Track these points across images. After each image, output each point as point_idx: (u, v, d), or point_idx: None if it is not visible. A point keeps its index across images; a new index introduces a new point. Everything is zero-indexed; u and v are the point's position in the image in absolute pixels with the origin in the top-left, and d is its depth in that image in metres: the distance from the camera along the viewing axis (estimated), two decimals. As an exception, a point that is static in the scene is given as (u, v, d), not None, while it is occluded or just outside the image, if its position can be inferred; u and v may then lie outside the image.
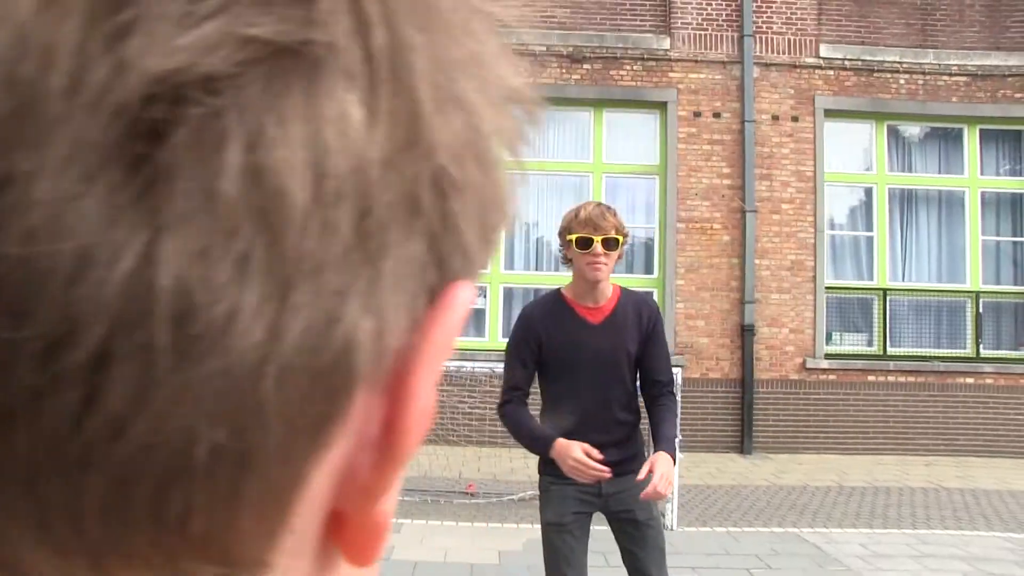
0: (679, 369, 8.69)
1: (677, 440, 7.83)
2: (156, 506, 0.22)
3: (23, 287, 0.20)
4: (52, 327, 0.20)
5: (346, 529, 0.28)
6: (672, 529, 8.03)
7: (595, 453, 3.56)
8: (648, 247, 13.79)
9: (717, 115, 13.40)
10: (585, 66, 13.53)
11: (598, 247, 3.71)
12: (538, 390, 4.00)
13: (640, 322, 3.90)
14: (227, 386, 0.21)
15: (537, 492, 4.04)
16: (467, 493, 9.26)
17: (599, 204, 3.93)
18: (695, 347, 13.16)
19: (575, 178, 13.79)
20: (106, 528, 0.22)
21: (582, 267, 3.78)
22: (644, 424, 4.02)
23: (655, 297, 13.31)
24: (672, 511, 8.12)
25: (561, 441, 3.63)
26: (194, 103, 0.20)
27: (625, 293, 3.98)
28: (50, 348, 0.20)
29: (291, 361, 0.22)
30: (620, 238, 3.78)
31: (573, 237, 3.75)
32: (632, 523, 3.86)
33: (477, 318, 13.36)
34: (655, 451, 3.75)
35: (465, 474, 10.11)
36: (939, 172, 14.09)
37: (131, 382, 0.20)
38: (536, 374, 3.93)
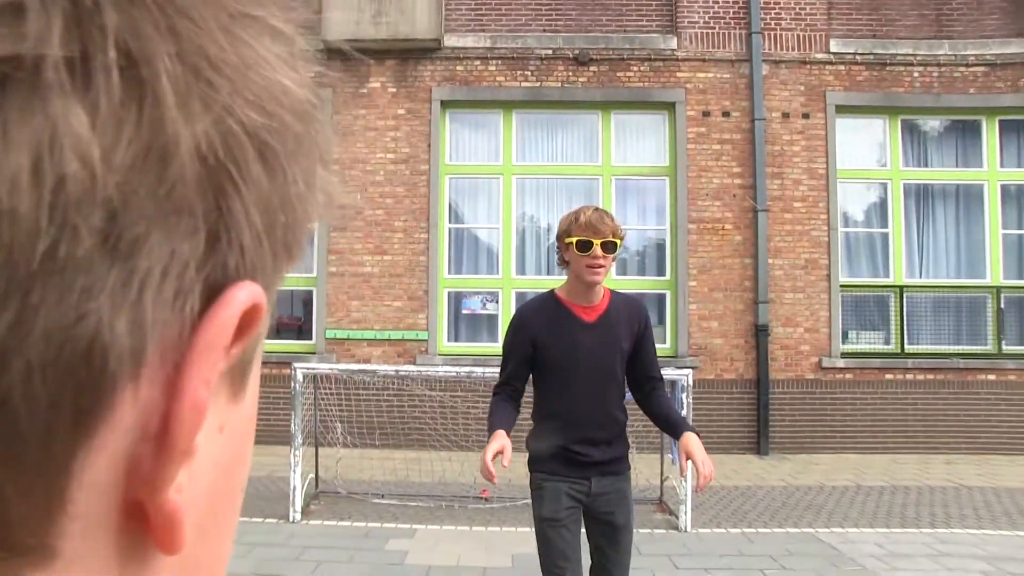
0: (691, 371, 8.66)
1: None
2: None
3: None
4: None
5: (147, 518, 0.28)
6: (686, 531, 7.99)
7: (505, 459, 3.70)
8: (660, 248, 13.75)
9: (726, 114, 13.35)
10: (592, 68, 13.50)
11: (598, 250, 3.86)
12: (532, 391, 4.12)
13: (631, 322, 4.08)
14: None
15: None
16: (481, 498, 9.23)
17: (597, 209, 4.03)
18: (709, 348, 13.10)
19: (585, 181, 13.77)
20: None
21: (580, 269, 3.92)
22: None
23: (667, 299, 13.30)
24: (686, 513, 8.08)
25: (498, 433, 3.81)
26: None
27: (615, 295, 4.15)
28: None
29: (38, 354, 0.23)
30: (617, 242, 3.94)
31: (573, 240, 3.90)
32: (611, 525, 4.04)
33: (489, 323, 13.35)
34: (679, 436, 3.97)
35: (479, 479, 10.08)
36: (956, 166, 13.96)
37: None
38: (531, 374, 4.08)
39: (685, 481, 8.12)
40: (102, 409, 0.25)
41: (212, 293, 0.28)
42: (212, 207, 0.27)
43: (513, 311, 13.22)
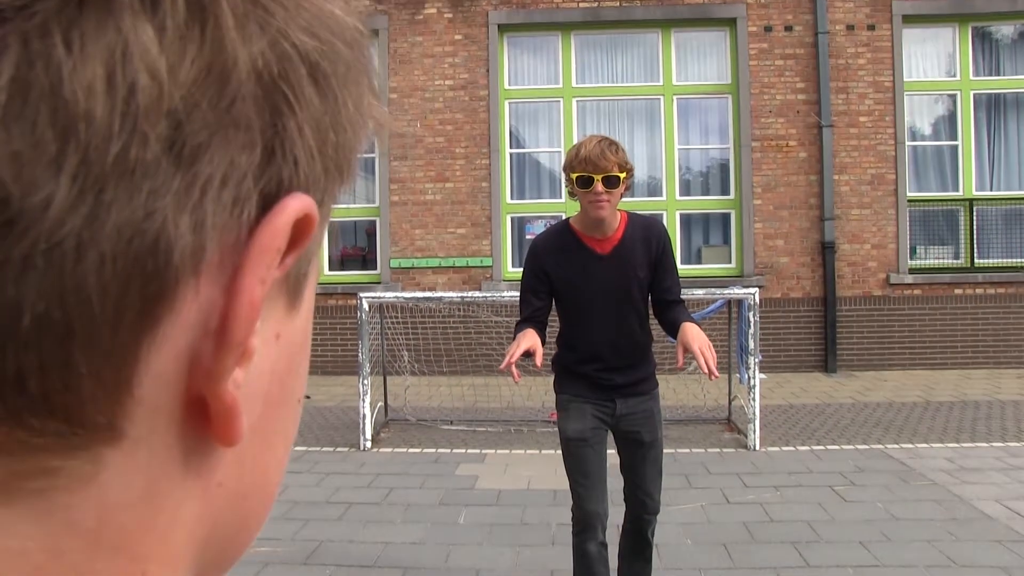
0: (758, 290, 8.62)
1: (755, 359, 7.80)
2: (10, 343, 0.25)
3: None
4: None
5: (208, 414, 0.32)
6: (755, 450, 8.01)
7: (537, 359, 3.84)
8: (723, 167, 13.60)
9: (789, 28, 13.06)
10: (651, -14, 13.28)
11: (599, 186, 3.81)
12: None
13: (648, 248, 4.02)
14: (47, 264, 0.25)
15: None
16: (550, 421, 9.32)
17: (601, 140, 3.89)
18: (775, 267, 13.00)
19: (646, 102, 13.62)
20: None
21: (585, 205, 3.89)
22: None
23: (732, 218, 13.20)
24: (755, 431, 8.10)
25: (528, 332, 3.89)
26: None
27: (632, 220, 4.07)
28: None
29: (110, 246, 0.26)
30: (622, 175, 3.84)
31: (574, 175, 3.86)
32: (638, 443, 4.10)
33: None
34: (678, 333, 3.89)
35: (548, 403, 10.17)
36: (1030, 74, 13.56)
37: None
38: (556, 303, 4.11)
39: (753, 401, 8.14)
40: (166, 301, 0.28)
41: (267, 202, 0.31)
42: (268, 123, 0.30)
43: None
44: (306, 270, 0.37)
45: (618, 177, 3.82)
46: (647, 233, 4.05)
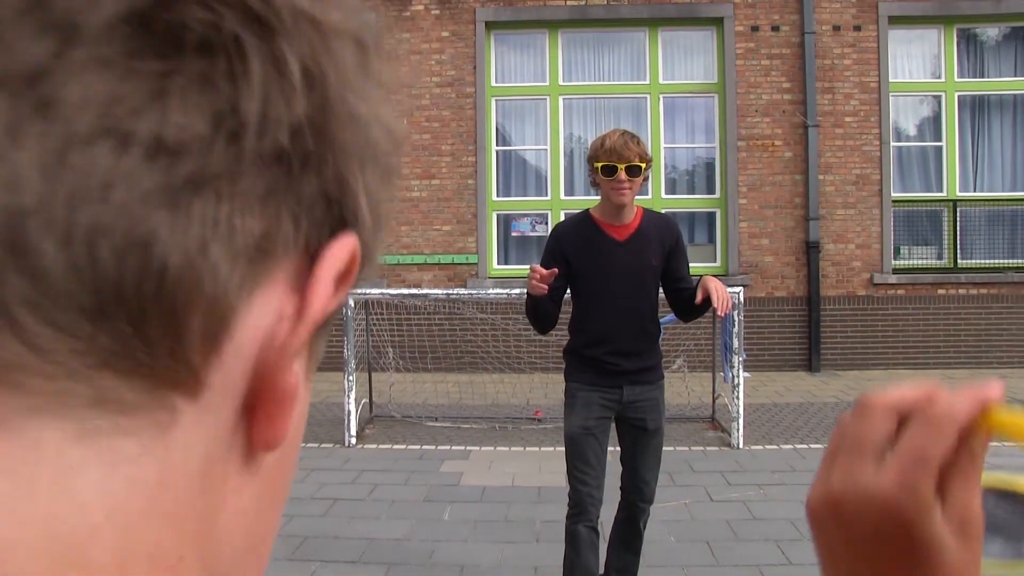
0: (742, 289, 8.65)
1: (739, 358, 7.85)
2: (145, 257, 0.29)
3: None
4: None
5: (260, 408, 0.35)
6: (738, 448, 8.05)
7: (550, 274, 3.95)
8: (709, 166, 13.63)
9: (776, 28, 13.10)
10: (638, -16, 13.30)
11: (622, 174, 4.09)
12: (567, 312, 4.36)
13: (662, 238, 4.30)
14: (199, 193, 0.30)
15: None
16: (534, 419, 9.34)
17: (624, 133, 4.19)
18: (760, 266, 13.05)
19: (633, 100, 13.65)
20: (112, 266, 0.28)
21: (608, 192, 4.15)
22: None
23: (717, 217, 13.24)
24: (738, 430, 8.14)
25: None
26: (204, 7, 0.30)
27: (647, 214, 4.36)
28: None
29: (240, 202, 0.31)
30: (643, 165, 4.13)
31: (599, 165, 4.12)
32: (642, 431, 4.30)
33: (539, 245, 13.32)
34: (697, 294, 4.18)
35: (532, 400, 10.20)
36: (1015, 75, 13.60)
37: (138, 173, 0.29)
38: (568, 289, 4.31)
39: (737, 399, 8.17)
40: (267, 267, 0.33)
41: (334, 232, 0.36)
42: (343, 177, 0.36)
43: (562, 233, 13.27)
44: (321, 347, 0.42)
45: (639, 167, 4.11)
46: (660, 224, 4.37)
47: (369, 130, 0.38)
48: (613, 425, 4.33)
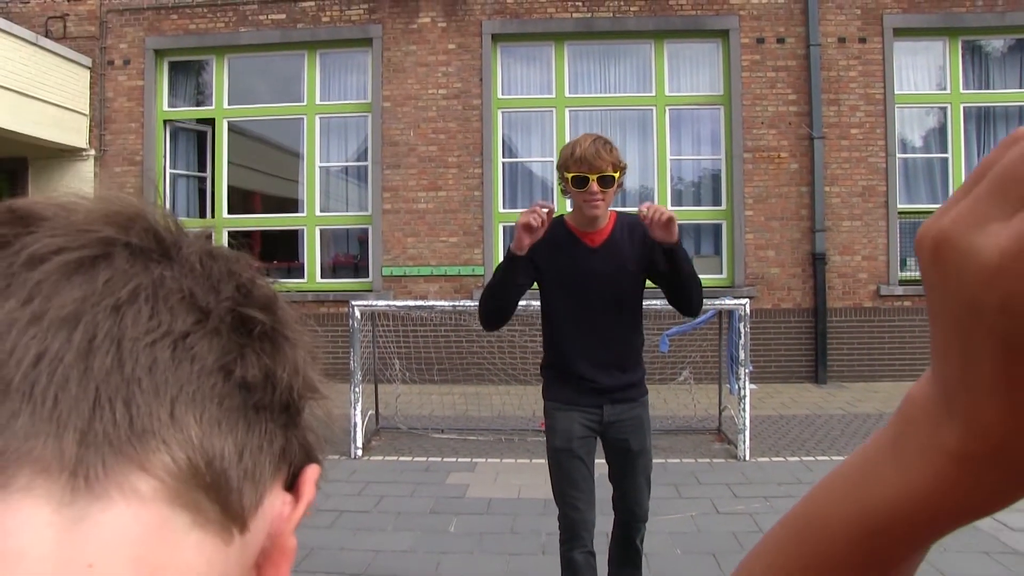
0: (748, 300, 8.64)
1: (746, 370, 7.81)
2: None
3: None
4: None
5: (272, 556, 0.51)
6: (745, 460, 8.04)
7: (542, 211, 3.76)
8: (715, 178, 13.65)
9: (781, 40, 13.13)
10: (644, -3, 13.33)
11: (594, 186, 3.84)
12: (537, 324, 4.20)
13: (637, 241, 4.01)
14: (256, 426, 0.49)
15: None
16: (540, 431, 9.32)
17: (596, 140, 3.92)
18: (766, 277, 13.04)
19: (638, 112, 13.68)
20: None
21: (580, 203, 3.92)
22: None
23: (723, 229, 13.24)
24: (745, 442, 8.12)
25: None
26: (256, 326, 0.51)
27: (620, 217, 4.09)
28: None
29: (269, 460, 0.49)
30: (616, 175, 3.88)
31: (570, 176, 3.88)
32: (626, 451, 4.06)
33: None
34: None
35: (538, 412, 10.17)
36: (1020, 87, 13.60)
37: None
38: (541, 302, 4.12)
39: (743, 411, 8.16)
40: (278, 478, 0.51)
41: (307, 459, 0.55)
42: (296, 425, 0.53)
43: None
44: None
45: (612, 177, 3.86)
46: (634, 228, 4.04)
47: (299, 384, 0.53)
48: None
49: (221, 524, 0.45)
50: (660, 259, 3.96)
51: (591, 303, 3.97)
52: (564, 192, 4.02)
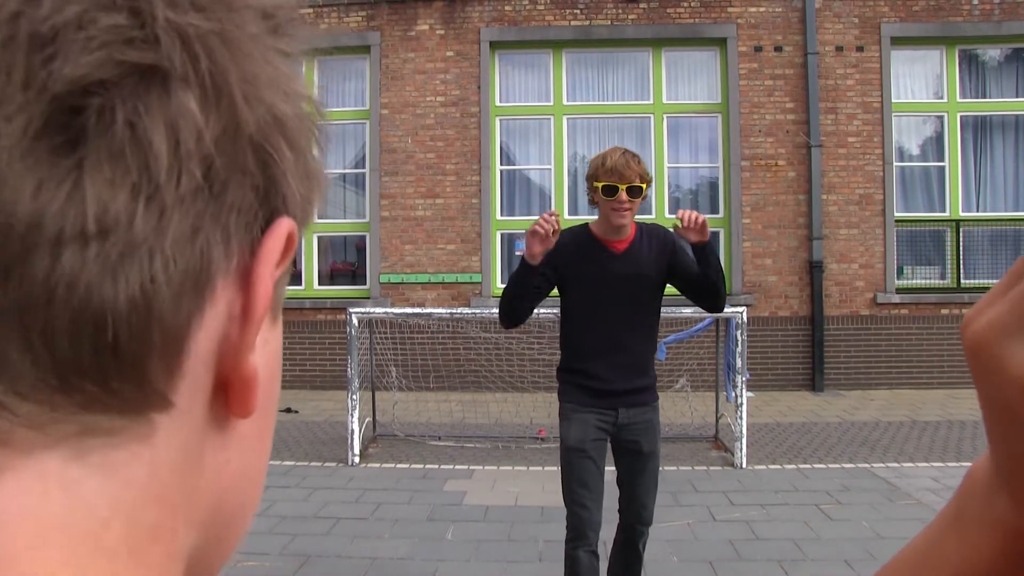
0: (746, 308, 8.66)
1: (743, 378, 7.84)
2: (97, 334, 0.35)
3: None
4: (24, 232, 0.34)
5: (230, 390, 0.41)
6: (741, 468, 8.04)
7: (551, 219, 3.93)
8: (713, 186, 13.68)
9: (779, 49, 13.16)
10: (641, 5, 13.36)
11: (623, 195, 4.04)
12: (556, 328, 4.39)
13: (659, 250, 4.23)
14: (132, 261, 0.35)
15: None
16: (537, 438, 9.34)
17: (625, 152, 4.13)
18: (763, 285, 13.06)
19: (636, 120, 13.71)
20: (68, 352, 0.35)
21: (607, 212, 4.10)
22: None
23: (721, 237, 13.26)
24: (742, 449, 8.13)
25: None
26: (94, 95, 0.34)
27: (641, 226, 4.29)
28: (29, 248, 0.34)
29: (171, 251, 0.36)
30: (643, 186, 4.08)
31: (600, 184, 4.06)
32: (637, 453, 4.21)
33: (542, 264, 13.36)
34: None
35: (536, 420, 10.20)
36: (1017, 96, 13.65)
37: (76, 266, 0.34)
38: (561, 306, 4.29)
39: (740, 419, 8.17)
40: (208, 291, 0.39)
41: (267, 223, 0.42)
42: (263, 169, 0.41)
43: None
44: (282, 292, 0.48)
45: (640, 187, 4.06)
46: (655, 236, 4.27)
47: (279, 108, 0.42)
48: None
49: (124, 425, 0.37)
50: (682, 264, 4.23)
51: (611, 307, 4.13)
52: (592, 201, 4.21)
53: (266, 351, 0.45)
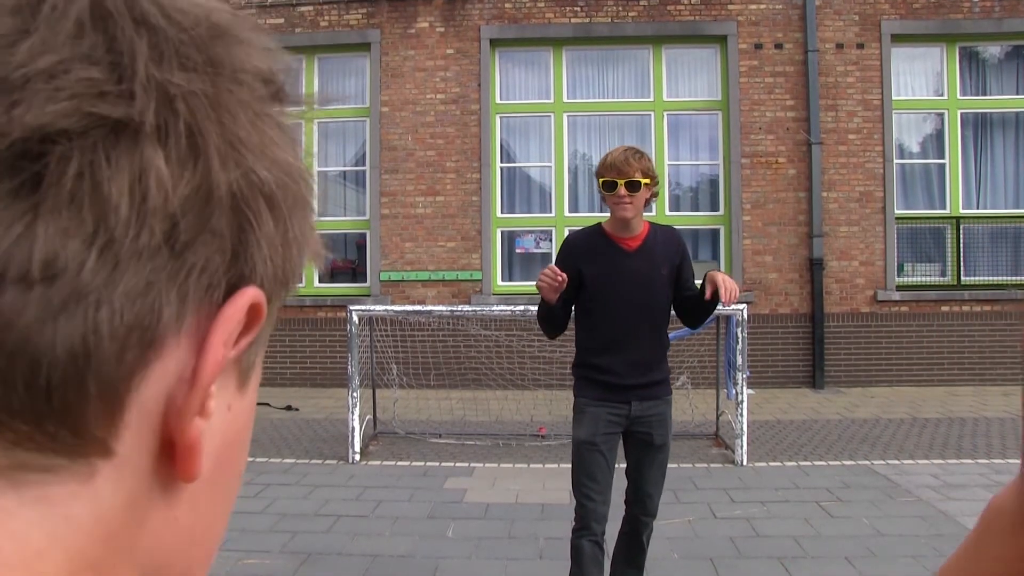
0: (746, 305, 8.65)
1: (743, 375, 7.84)
2: (31, 377, 0.35)
3: None
4: None
5: (174, 451, 0.41)
6: (742, 465, 8.04)
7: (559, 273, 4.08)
8: (713, 183, 13.67)
9: (779, 46, 13.16)
10: (642, 2, 13.35)
11: (621, 189, 4.19)
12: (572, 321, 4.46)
13: (669, 251, 4.38)
14: (77, 310, 0.35)
15: None
16: (538, 436, 9.34)
17: (627, 149, 4.30)
18: (764, 282, 13.06)
19: (636, 117, 13.69)
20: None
21: (611, 206, 4.27)
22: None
23: (721, 234, 13.26)
24: (742, 447, 8.13)
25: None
26: (56, 143, 0.35)
27: (653, 226, 4.43)
28: None
29: (119, 304, 0.36)
30: (644, 181, 4.22)
31: (602, 180, 4.26)
32: (648, 445, 4.33)
33: (543, 261, 13.36)
34: (704, 293, 4.23)
35: (536, 417, 10.20)
36: (1017, 93, 13.64)
37: (15, 307, 0.34)
38: (576, 300, 4.39)
39: (740, 416, 8.17)
40: (155, 348, 0.38)
41: (231, 290, 0.41)
42: (236, 234, 0.40)
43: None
44: (254, 360, 0.47)
45: (640, 182, 4.20)
46: (667, 237, 4.42)
47: (260, 174, 0.41)
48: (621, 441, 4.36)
49: (62, 464, 0.38)
50: (684, 275, 4.41)
51: (625, 303, 4.26)
52: (603, 199, 4.35)
53: (227, 418, 0.45)
